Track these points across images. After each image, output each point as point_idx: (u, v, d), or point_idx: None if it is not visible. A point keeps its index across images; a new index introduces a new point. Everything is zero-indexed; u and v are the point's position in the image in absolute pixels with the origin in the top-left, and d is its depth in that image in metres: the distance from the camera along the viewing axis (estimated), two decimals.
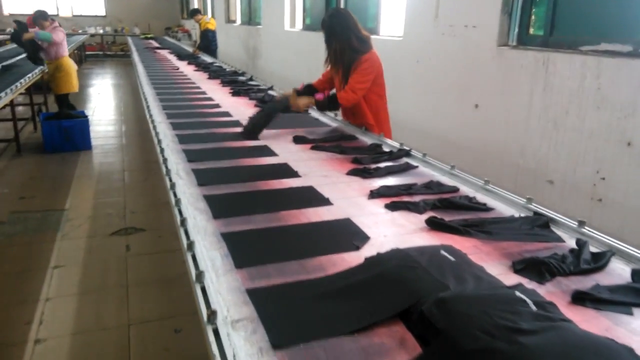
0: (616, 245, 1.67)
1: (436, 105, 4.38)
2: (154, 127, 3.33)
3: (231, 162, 2.67)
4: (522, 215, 1.97)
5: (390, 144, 3.01)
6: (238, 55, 11.87)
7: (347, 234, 1.79)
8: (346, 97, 3.25)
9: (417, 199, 2.13)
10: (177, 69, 7.26)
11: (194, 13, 10.22)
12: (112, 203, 4.66)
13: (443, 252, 1.52)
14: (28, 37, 6.88)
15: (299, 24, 8.55)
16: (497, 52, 3.72)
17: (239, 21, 12.82)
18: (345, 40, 3.22)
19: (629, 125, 2.77)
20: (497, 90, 3.74)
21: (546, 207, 1.99)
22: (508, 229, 1.83)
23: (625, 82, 2.79)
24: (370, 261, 1.52)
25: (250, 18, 11.65)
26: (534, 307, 1.19)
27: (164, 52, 10.22)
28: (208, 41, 9.77)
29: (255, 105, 4.36)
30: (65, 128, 6.53)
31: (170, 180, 2.30)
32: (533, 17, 3.60)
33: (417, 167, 2.62)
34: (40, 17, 7.21)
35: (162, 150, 2.75)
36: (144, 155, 6.36)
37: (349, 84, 3.24)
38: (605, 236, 1.72)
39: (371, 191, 2.20)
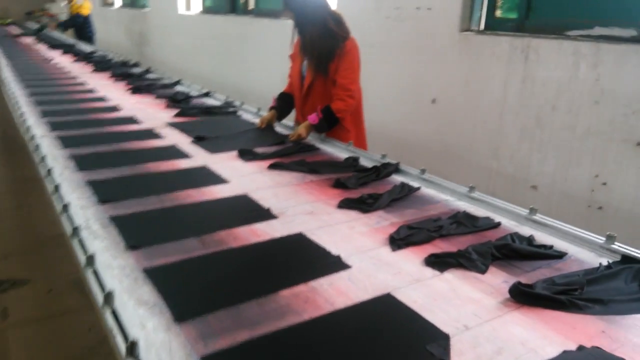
0: None
1: (384, 100, 3.82)
2: (36, 147, 2.37)
3: (166, 197, 1.86)
4: (609, 261, 1.44)
5: (368, 156, 2.37)
6: (120, 43, 10.45)
7: (410, 331, 1.13)
8: (345, 107, 2.54)
9: (457, 244, 1.52)
10: (51, 60, 5.98)
11: None
12: None
13: None
14: None
15: (197, 7, 7.55)
16: (460, 39, 3.22)
17: (118, 3, 11.32)
18: (321, 22, 2.49)
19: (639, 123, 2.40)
20: (461, 81, 3.25)
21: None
22: (616, 291, 1.29)
23: (632, 72, 2.40)
24: None
25: (133, 0, 10.28)
26: None
27: (30, 40, 8.61)
28: (76, 26, 8.41)
29: (167, 106, 3.48)
30: None
31: (82, 245, 1.46)
32: None
33: (418, 188, 2.01)
34: None
35: (56, 187, 1.85)
36: (13, 170, 5.08)
37: (340, 87, 2.53)
38: None
39: (392, 237, 1.55)
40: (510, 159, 3.02)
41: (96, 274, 1.31)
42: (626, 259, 1.43)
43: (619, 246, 1.48)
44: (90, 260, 1.34)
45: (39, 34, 7.76)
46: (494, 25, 3.19)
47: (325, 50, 2.49)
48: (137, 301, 1.21)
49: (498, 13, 3.19)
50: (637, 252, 1.44)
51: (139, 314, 1.16)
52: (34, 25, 10.55)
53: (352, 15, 3.69)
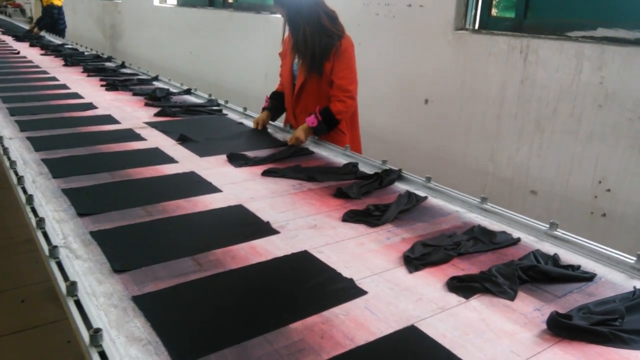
0: None
1: (374, 101, 3.68)
2: (5, 150, 2.16)
3: (153, 209, 1.68)
4: None
5: (368, 162, 2.23)
6: (91, 35, 10.08)
7: None
8: (345, 108, 2.41)
9: (477, 264, 1.40)
10: (18, 53, 5.67)
11: None
12: None
13: None
14: None
15: None
16: (455, 37, 3.11)
17: None
18: (315, 20, 2.34)
19: None
20: (456, 82, 3.14)
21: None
22: None
23: (638, 75, 2.32)
24: None
25: None
26: None
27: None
28: (53, 19, 7.99)
29: (146, 104, 3.28)
30: None
31: (61, 268, 1.28)
32: None
33: (425, 197, 1.88)
34: None
35: (29, 198, 1.65)
36: None
37: (339, 88, 2.40)
38: None
39: (407, 257, 1.42)
40: (508, 163, 2.92)
41: (79, 304, 1.14)
42: None
43: None
44: (72, 288, 1.16)
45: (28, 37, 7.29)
46: (489, 24, 3.09)
47: (319, 49, 2.34)
48: (128, 338, 1.05)
49: (493, 12, 3.09)
50: None
51: (132, 355, 1.00)
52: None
53: (337, 10, 3.55)
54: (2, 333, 2.46)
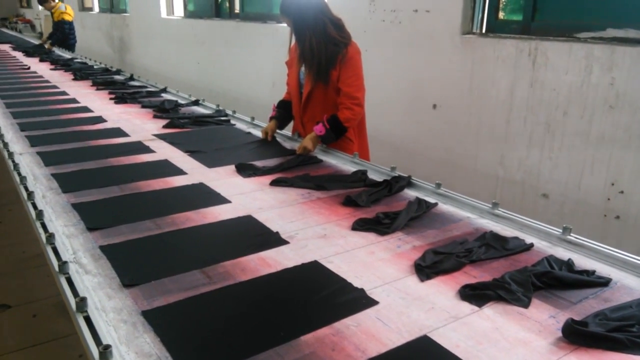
0: None
1: (382, 106, 3.67)
2: (15, 166, 2.17)
3: (162, 221, 1.68)
4: None
5: (377, 169, 2.22)
6: (100, 49, 10.19)
7: None
8: (352, 116, 2.39)
9: (490, 271, 1.38)
10: (28, 68, 5.74)
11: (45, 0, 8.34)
12: None
13: None
14: None
15: (179, 11, 7.34)
16: (462, 41, 3.09)
17: (97, 9, 11.05)
18: (321, 29, 2.34)
19: None
20: (464, 86, 3.12)
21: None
22: None
23: None
24: None
25: (113, 5, 10.02)
26: None
27: (5, 47, 8.31)
28: (64, 34, 8.07)
29: (155, 116, 3.30)
30: None
31: (69, 278, 1.28)
32: None
33: (436, 204, 1.86)
34: None
35: (39, 214, 1.66)
36: None
37: (346, 96, 2.39)
38: None
39: (418, 265, 1.40)
40: (519, 166, 2.89)
41: (89, 320, 1.14)
42: None
43: None
44: (82, 304, 1.16)
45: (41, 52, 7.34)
46: (496, 28, 3.07)
47: (326, 58, 2.34)
48: (138, 354, 1.05)
49: (501, 15, 3.07)
50: None
51: None
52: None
53: (343, 17, 3.55)
54: (14, 348, 2.47)
